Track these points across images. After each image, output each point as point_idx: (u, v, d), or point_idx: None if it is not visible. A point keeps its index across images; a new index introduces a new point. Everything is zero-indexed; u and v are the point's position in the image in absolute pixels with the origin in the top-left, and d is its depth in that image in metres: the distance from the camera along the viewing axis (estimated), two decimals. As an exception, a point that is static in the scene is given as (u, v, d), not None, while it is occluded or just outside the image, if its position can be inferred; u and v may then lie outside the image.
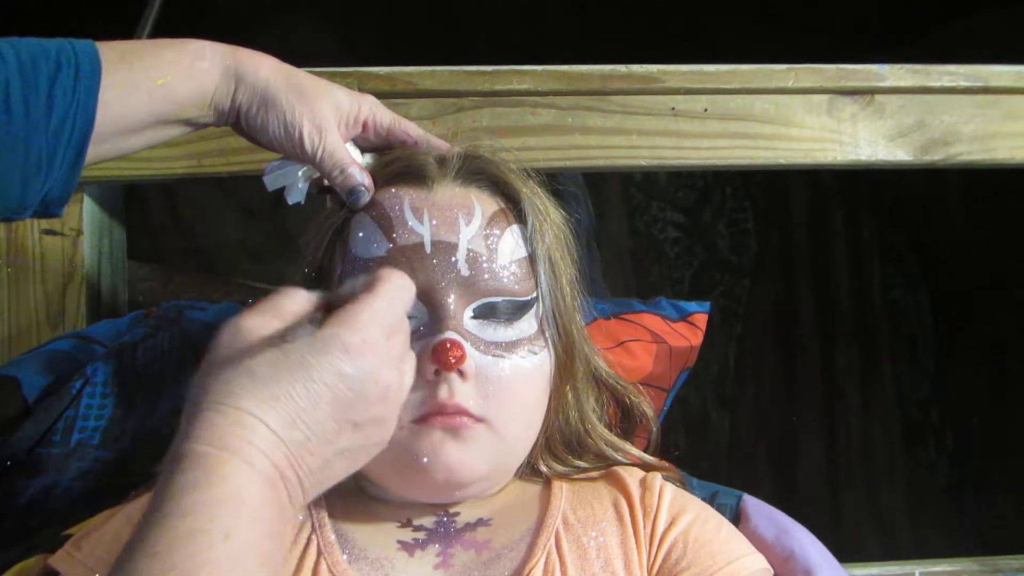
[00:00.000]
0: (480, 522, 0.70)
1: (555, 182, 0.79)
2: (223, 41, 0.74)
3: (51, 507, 0.81)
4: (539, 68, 0.94)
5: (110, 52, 0.69)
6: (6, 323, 0.99)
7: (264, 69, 0.73)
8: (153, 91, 0.70)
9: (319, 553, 0.66)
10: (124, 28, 1.33)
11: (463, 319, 0.68)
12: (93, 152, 0.69)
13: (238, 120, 0.75)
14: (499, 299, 0.69)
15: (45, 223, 0.99)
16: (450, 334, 0.66)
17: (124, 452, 0.84)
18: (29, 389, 0.85)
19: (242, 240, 2.31)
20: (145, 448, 0.84)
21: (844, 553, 0.81)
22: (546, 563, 0.66)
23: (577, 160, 0.95)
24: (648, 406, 0.83)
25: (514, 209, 0.73)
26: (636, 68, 0.95)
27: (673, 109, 0.95)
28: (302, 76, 0.75)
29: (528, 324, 0.71)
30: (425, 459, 0.66)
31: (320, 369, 0.48)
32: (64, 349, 0.89)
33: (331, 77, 0.90)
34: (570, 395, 0.76)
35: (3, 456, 0.82)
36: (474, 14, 2.28)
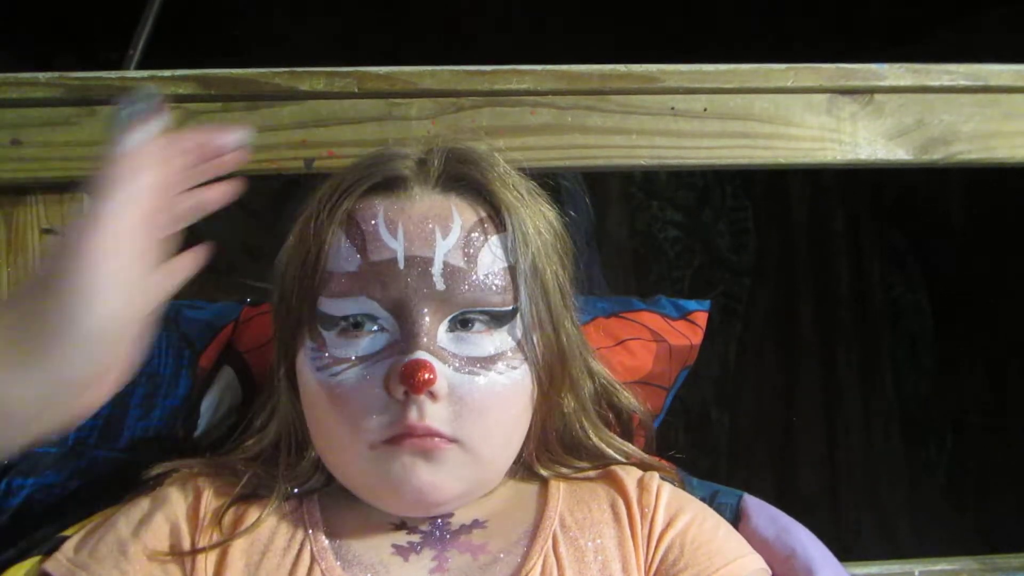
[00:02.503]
0: (475, 524, 0.70)
1: (553, 179, 0.78)
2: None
3: (48, 508, 0.81)
4: (539, 68, 0.94)
5: None
6: (5, 322, 0.98)
7: None
8: None
9: (312, 560, 0.66)
10: (123, 27, 1.33)
11: (437, 335, 0.66)
12: None
13: None
14: (475, 310, 0.67)
15: (45, 222, 0.98)
16: (420, 354, 0.64)
17: (121, 452, 0.84)
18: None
19: (242, 239, 2.31)
20: (143, 448, 0.84)
21: (844, 553, 0.80)
22: (543, 566, 0.66)
23: (577, 160, 0.94)
24: (640, 408, 0.82)
25: (497, 216, 0.70)
26: (635, 68, 0.94)
27: (672, 109, 0.95)
28: None
29: (507, 337, 0.68)
30: (395, 482, 0.64)
31: None
32: (62, 348, 0.89)
33: (330, 77, 0.90)
34: (565, 401, 0.75)
35: None
36: (474, 14, 2.28)
